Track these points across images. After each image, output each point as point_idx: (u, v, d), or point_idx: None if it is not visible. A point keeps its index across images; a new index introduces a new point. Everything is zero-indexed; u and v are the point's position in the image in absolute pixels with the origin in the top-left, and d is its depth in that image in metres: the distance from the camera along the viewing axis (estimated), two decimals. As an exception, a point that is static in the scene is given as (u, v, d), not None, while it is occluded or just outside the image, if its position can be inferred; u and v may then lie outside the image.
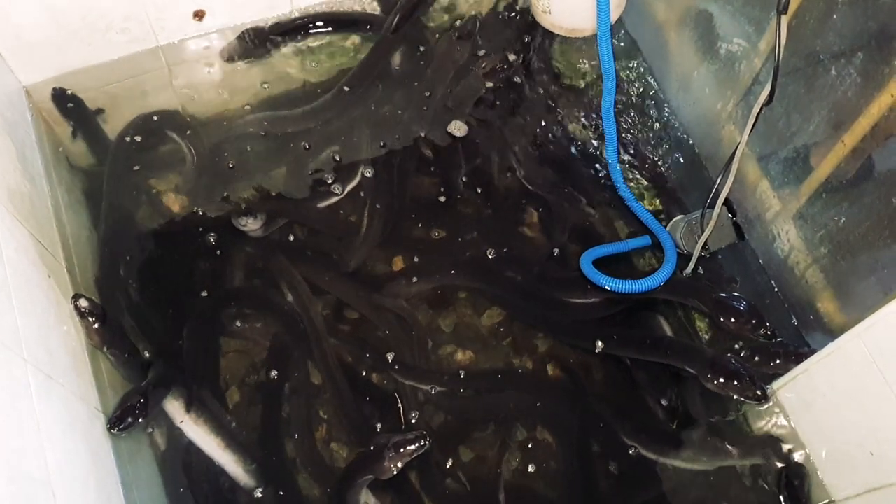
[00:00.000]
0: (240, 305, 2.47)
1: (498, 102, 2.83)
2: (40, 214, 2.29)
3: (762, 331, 2.24)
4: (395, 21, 2.92)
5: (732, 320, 2.25)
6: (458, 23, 2.95)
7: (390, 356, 2.34)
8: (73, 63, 2.74)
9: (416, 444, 2.09)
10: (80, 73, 2.77)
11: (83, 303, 2.17)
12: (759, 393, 2.09)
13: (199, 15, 2.82)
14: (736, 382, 2.10)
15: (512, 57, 2.85)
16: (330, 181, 2.64)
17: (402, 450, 2.08)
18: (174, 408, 2.23)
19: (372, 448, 2.14)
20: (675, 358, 2.25)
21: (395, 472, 2.10)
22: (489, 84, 2.84)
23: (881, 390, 1.77)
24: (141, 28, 2.75)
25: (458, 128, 2.74)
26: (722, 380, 2.12)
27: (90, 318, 2.17)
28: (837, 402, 1.96)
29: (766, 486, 2.16)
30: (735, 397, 2.13)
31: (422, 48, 2.94)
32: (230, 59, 2.87)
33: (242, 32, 2.88)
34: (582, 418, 2.30)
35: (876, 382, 1.78)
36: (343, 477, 2.17)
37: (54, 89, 2.72)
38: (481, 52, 2.91)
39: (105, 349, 2.23)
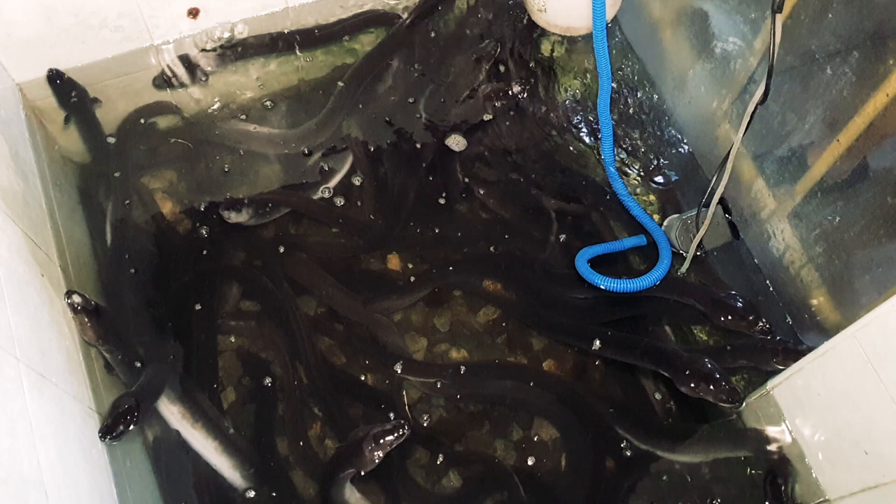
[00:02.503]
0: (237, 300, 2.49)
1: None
2: (33, 213, 2.28)
3: (759, 327, 2.24)
4: (410, 19, 2.94)
5: (729, 317, 2.26)
6: (480, 45, 2.91)
7: (398, 367, 2.34)
8: (66, 61, 2.73)
9: (395, 434, 2.08)
10: (73, 70, 2.76)
11: (76, 299, 2.16)
12: (731, 397, 2.10)
13: (193, 13, 2.81)
14: (711, 386, 2.11)
15: (517, 88, 2.81)
16: (329, 194, 2.65)
17: (381, 441, 2.07)
18: (171, 412, 2.22)
19: (351, 442, 2.13)
20: (651, 360, 2.26)
21: (376, 464, 2.08)
22: (487, 115, 2.79)
23: (876, 389, 1.77)
24: (135, 26, 2.74)
25: (456, 142, 2.72)
26: (695, 384, 2.13)
27: (83, 315, 2.16)
28: (832, 401, 1.96)
29: (755, 480, 2.18)
30: (709, 400, 2.13)
31: (415, 58, 2.94)
32: (160, 86, 2.83)
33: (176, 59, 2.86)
34: (579, 411, 2.32)
35: (871, 381, 1.78)
36: (325, 473, 2.17)
37: (50, 70, 2.71)
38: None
39: (99, 345, 2.22)
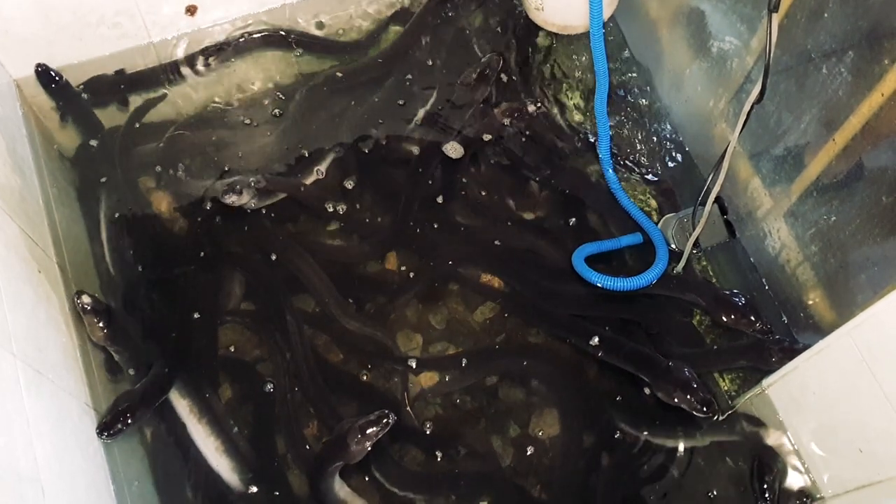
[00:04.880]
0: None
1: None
2: (30, 209, 2.28)
3: (759, 326, 2.24)
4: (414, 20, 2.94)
5: (732, 316, 2.27)
6: (482, 59, 2.86)
7: (413, 363, 2.36)
8: (64, 57, 2.73)
9: (380, 425, 2.09)
10: (71, 68, 2.75)
11: (86, 299, 2.15)
12: (707, 407, 2.12)
13: (191, 10, 2.81)
14: (687, 395, 2.13)
15: (532, 108, 2.78)
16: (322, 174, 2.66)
17: (367, 432, 2.08)
18: (181, 405, 2.23)
19: (337, 435, 2.14)
20: (632, 364, 2.28)
21: (363, 456, 2.10)
22: (487, 136, 2.76)
23: (870, 388, 1.78)
24: (132, 23, 2.73)
25: (453, 149, 2.69)
26: (672, 391, 2.16)
27: (93, 315, 2.15)
28: (827, 400, 1.97)
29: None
30: (684, 408, 2.15)
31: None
32: (63, 118, 2.73)
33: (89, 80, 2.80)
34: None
35: (865, 380, 1.79)
36: (314, 468, 2.18)
37: (38, 65, 2.68)
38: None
39: (108, 346, 2.22)
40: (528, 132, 2.75)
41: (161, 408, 2.23)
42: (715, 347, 2.38)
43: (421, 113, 2.81)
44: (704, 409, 2.11)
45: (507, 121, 2.74)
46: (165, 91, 2.82)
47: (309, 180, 2.65)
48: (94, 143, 2.69)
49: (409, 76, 2.87)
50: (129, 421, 2.10)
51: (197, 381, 2.30)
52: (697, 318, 2.44)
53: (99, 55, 2.78)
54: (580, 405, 2.33)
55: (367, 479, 2.20)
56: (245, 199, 2.52)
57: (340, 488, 2.15)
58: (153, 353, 2.31)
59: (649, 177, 2.68)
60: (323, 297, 2.45)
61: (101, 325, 2.16)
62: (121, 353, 2.25)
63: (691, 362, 2.26)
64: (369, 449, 2.10)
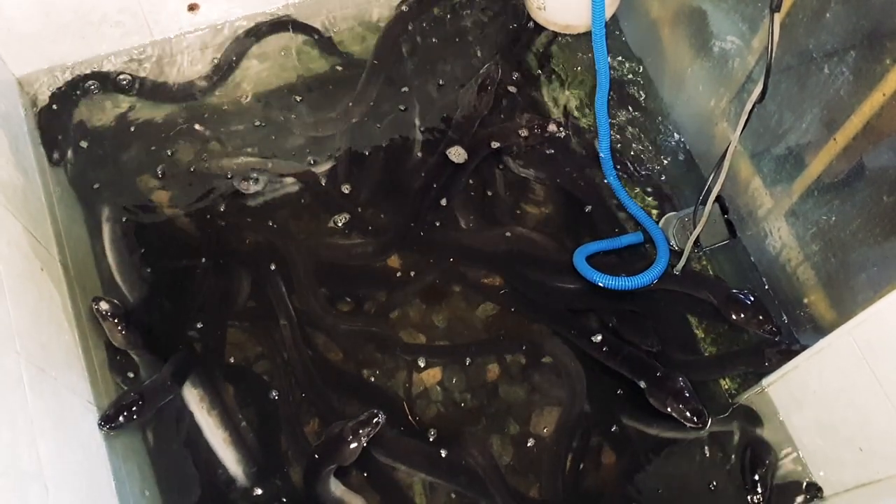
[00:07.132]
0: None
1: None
2: (33, 207, 2.28)
3: (769, 326, 2.25)
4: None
5: (742, 315, 2.28)
6: (482, 69, 2.84)
7: (422, 362, 2.37)
8: (65, 55, 2.73)
9: (371, 425, 2.10)
10: (73, 66, 2.76)
11: (104, 305, 2.16)
12: (698, 418, 2.12)
13: (193, 8, 2.81)
14: (679, 405, 2.14)
15: (552, 127, 2.74)
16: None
17: (359, 432, 2.09)
18: (191, 395, 2.24)
19: (329, 437, 2.15)
20: (628, 368, 2.28)
21: (356, 456, 2.10)
22: (495, 144, 2.74)
23: (871, 387, 1.79)
24: (135, 21, 2.73)
25: (457, 154, 2.68)
26: (665, 399, 2.17)
27: (112, 320, 2.16)
28: (827, 399, 1.98)
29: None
30: (675, 417, 2.16)
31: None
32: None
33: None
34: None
35: (865, 379, 1.79)
36: (308, 471, 2.18)
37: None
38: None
39: (128, 349, 2.23)
40: (546, 147, 2.75)
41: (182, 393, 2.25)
42: (714, 354, 2.39)
43: (425, 117, 2.81)
44: (695, 419, 2.12)
45: (524, 132, 2.73)
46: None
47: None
48: (84, 144, 2.68)
49: (407, 84, 2.87)
50: (134, 415, 2.11)
51: (208, 372, 2.30)
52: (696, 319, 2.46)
53: (101, 53, 2.78)
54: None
55: (364, 475, 2.21)
56: (259, 187, 2.56)
57: (336, 487, 2.16)
58: (169, 354, 2.30)
59: (650, 175, 2.69)
60: (308, 298, 2.46)
61: (119, 328, 2.17)
62: (141, 356, 2.25)
63: (691, 371, 2.27)
64: (361, 450, 2.10)
